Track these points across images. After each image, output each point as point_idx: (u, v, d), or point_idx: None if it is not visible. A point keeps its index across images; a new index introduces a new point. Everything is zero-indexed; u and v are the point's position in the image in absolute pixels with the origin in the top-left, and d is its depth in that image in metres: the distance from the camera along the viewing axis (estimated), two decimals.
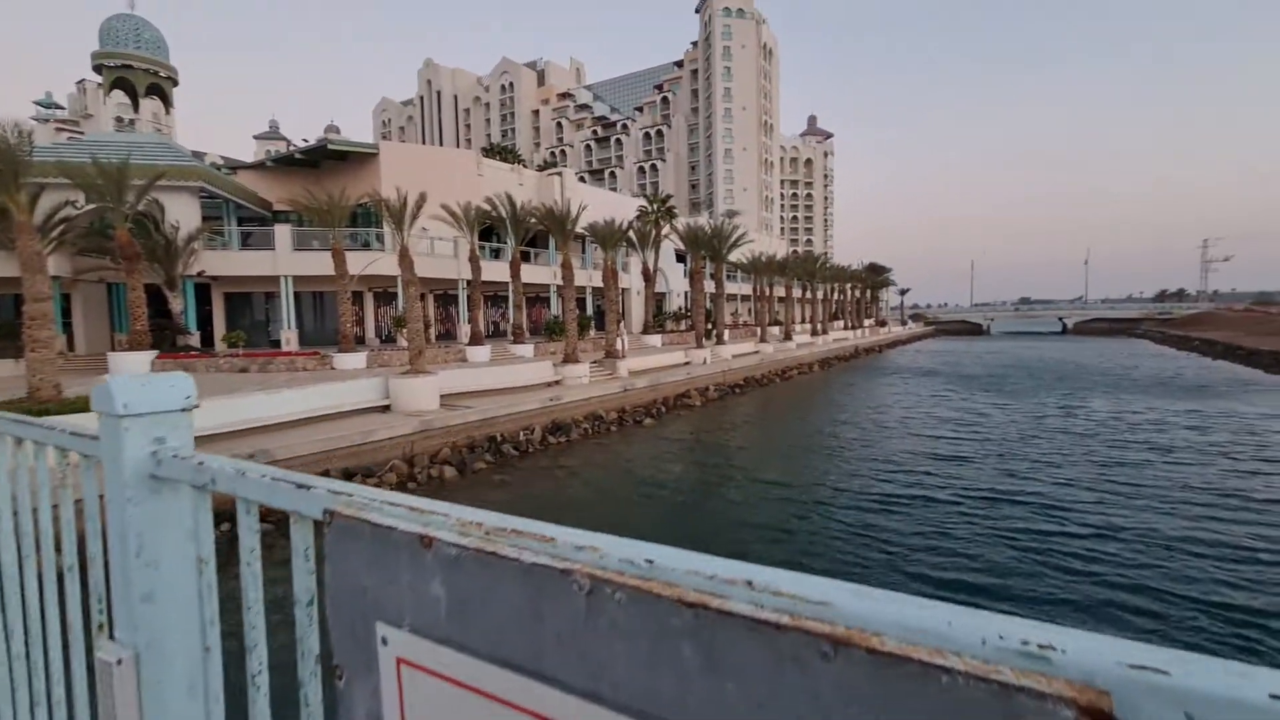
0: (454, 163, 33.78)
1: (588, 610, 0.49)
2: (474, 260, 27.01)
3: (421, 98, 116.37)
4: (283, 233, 25.56)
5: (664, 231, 38.07)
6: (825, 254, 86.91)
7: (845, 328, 63.97)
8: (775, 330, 47.42)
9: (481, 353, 24.85)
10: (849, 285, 69.50)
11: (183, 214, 23.91)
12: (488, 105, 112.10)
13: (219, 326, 27.00)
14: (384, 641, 0.64)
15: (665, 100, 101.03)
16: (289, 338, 25.75)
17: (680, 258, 46.13)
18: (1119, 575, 8.51)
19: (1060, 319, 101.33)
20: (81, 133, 55.52)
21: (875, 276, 79.06)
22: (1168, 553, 9.41)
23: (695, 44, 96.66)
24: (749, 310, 57.82)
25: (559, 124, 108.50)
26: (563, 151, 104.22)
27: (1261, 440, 17.45)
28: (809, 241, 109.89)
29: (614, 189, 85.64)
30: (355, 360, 21.83)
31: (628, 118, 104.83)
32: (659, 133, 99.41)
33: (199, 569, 1.03)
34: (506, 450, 16.67)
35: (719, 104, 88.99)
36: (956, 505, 11.92)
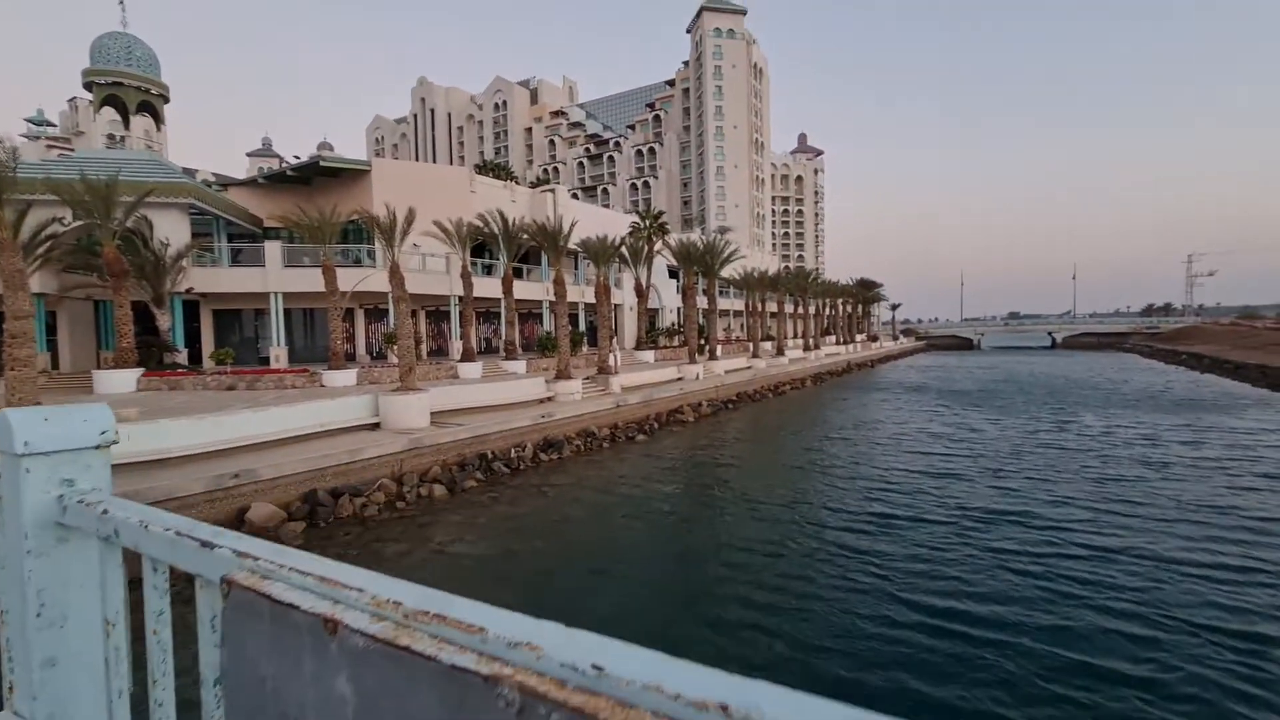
0: (447, 179, 33.81)
1: None
2: (466, 276, 26.92)
3: (415, 115, 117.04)
4: (273, 249, 25.39)
5: (656, 247, 38.20)
6: (817, 269, 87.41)
7: (837, 343, 64.12)
8: (768, 345, 47.45)
9: (473, 369, 24.65)
10: (840, 300, 69.82)
11: (172, 231, 23.73)
12: (481, 123, 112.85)
13: (208, 344, 26.70)
14: None
15: (657, 118, 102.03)
16: (279, 355, 25.47)
17: (673, 273, 46.22)
18: (1119, 601, 8.37)
19: (1050, 333, 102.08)
20: (72, 150, 55.30)
21: (866, 291, 79.46)
22: (1167, 574, 9.31)
23: (686, 63, 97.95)
24: (741, 326, 57.92)
25: (552, 141, 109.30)
26: (555, 169, 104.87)
27: (1258, 455, 17.48)
28: (800, 257, 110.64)
29: (607, 205, 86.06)
30: (345, 377, 21.59)
31: (620, 135, 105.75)
32: (651, 150, 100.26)
33: (106, 631, 0.90)
34: (498, 468, 16.44)
35: (710, 122, 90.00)
36: (950, 525, 11.78)
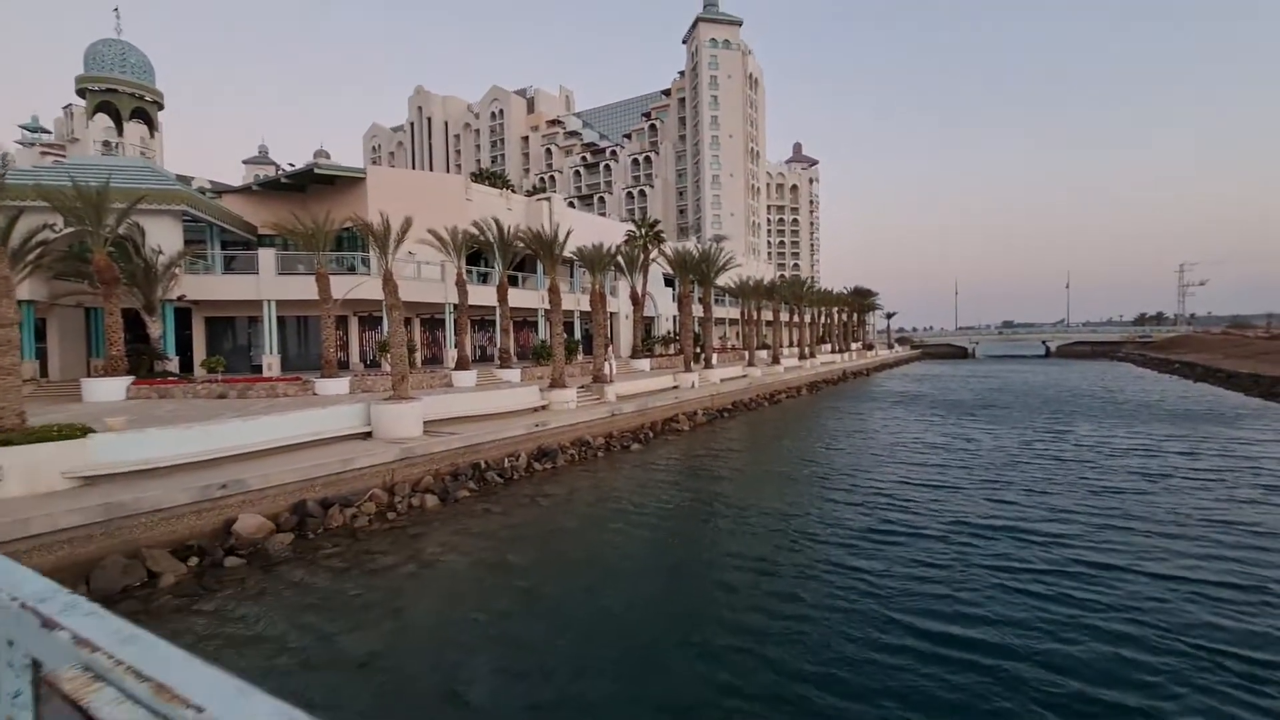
0: (442, 187, 33.77)
1: None
2: (461, 284, 26.83)
3: (412, 124, 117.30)
4: (267, 256, 25.26)
5: (652, 256, 38.18)
6: (812, 278, 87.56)
7: (833, 351, 64.19)
8: (763, 354, 47.43)
9: (467, 377, 24.50)
10: (836, 309, 69.97)
11: (164, 238, 23.57)
12: (478, 131, 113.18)
13: (200, 351, 26.50)
14: None
15: (653, 127, 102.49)
16: (271, 363, 25.28)
17: (668, 282, 46.22)
18: (1118, 622, 8.23)
19: (1044, 342, 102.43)
20: (66, 156, 55.12)
21: (861, 300, 79.64)
22: (1169, 592, 9.22)
23: (682, 73, 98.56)
24: (737, 334, 57.91)
25: (548, 150, 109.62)
26: (552, 177, 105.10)
27: (1259, 466, 17.46)
28: (795, 266, 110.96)
29: (603, 214, 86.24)
30: (338, 386, 21.43)
31: (616, 144, 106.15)
32: (647, 159, 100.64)
33: None
34: (491, 478, 16.27)
35: (706, 131, 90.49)
36: (945, 539, 11.66)
